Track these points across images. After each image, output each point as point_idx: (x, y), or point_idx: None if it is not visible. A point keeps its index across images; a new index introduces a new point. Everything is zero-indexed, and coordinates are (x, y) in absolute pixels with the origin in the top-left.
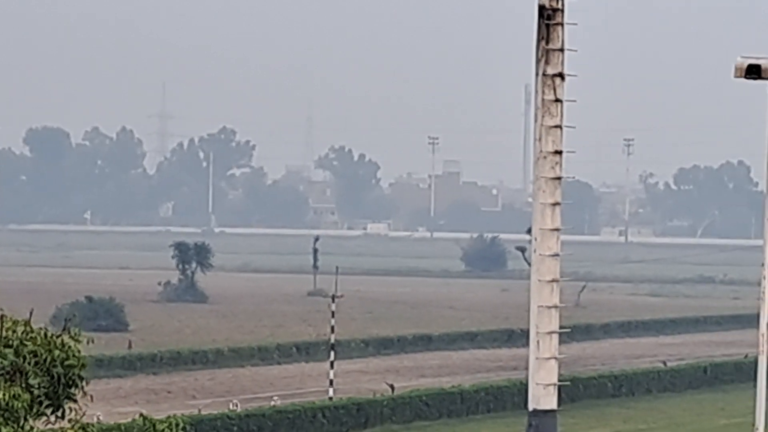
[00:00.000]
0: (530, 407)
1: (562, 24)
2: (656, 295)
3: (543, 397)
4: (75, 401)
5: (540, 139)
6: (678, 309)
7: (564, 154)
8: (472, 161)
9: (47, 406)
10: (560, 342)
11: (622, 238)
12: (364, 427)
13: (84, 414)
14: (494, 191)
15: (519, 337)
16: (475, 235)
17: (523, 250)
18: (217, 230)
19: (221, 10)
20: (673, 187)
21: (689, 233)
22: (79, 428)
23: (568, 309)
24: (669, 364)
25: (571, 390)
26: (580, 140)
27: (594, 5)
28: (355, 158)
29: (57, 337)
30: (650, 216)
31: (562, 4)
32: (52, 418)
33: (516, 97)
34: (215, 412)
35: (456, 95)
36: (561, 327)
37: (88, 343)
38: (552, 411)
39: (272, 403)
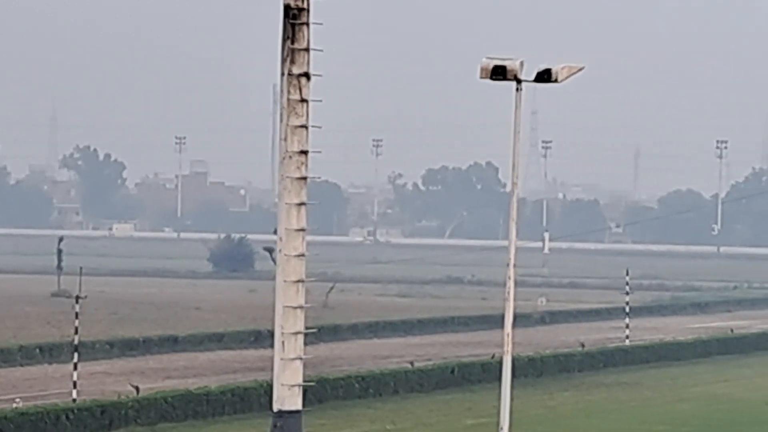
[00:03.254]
0: (275, 408)
1: (307, 24)
2: (404, 296)
3: (288, 398)
4: None
5: (285, 139)
6: (426, 310)
7: (310, 154)
8: (219, 161)
9: None
10: (308, 343)
11: (371, 239)
12: (108, 429)
13: None
14: (242, 191)
15: (266, 337)
16: (222, 236)
17: (270, 250)
18: None
19: None
20: (422, 187)
21: (438, 234)
22: None
23: (316, 309)
24: (416, 364)
25: (318, 391)
26: (328, 140)
27: (342, 5)
28: (101, 158)
29: None
30: (399, 216)
31: (308, 4)
32: None
33: (264, 97)
34: None
35: (204, 94)
36: (308, 327)
37: None
38: (297, 412)
39: (14, 405)
